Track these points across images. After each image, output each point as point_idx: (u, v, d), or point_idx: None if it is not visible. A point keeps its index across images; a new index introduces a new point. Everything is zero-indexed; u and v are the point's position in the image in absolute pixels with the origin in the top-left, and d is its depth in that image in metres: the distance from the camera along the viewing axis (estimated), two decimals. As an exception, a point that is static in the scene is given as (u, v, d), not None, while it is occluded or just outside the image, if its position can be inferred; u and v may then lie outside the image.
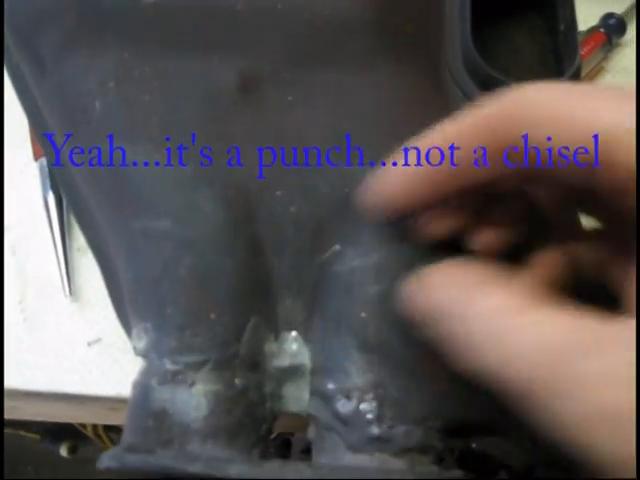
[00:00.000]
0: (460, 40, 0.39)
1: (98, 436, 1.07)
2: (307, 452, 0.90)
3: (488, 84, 0.38)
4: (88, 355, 0.43)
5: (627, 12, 0.54)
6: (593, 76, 0.52)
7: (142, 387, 0.31)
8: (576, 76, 0.39)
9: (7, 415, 0.51)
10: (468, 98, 0.39)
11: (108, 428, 1.06)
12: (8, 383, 0.43)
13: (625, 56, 0.54)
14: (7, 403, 0.47)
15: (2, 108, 0.47)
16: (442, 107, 0.38)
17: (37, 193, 0.46)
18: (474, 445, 0.33)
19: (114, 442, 1.07)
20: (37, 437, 1.18)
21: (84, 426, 1.05)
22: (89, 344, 0.43)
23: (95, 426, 1.05)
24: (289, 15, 0.36)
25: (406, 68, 0.37)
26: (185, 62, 0.36)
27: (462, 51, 0.39)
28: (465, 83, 0.39)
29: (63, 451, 1.18)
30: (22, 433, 1.18)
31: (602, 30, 0.52)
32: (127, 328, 0.36)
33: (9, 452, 1.29)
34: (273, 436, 0.82)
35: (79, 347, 0.43)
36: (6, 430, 1.13)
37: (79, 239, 0.45)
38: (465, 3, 0.39)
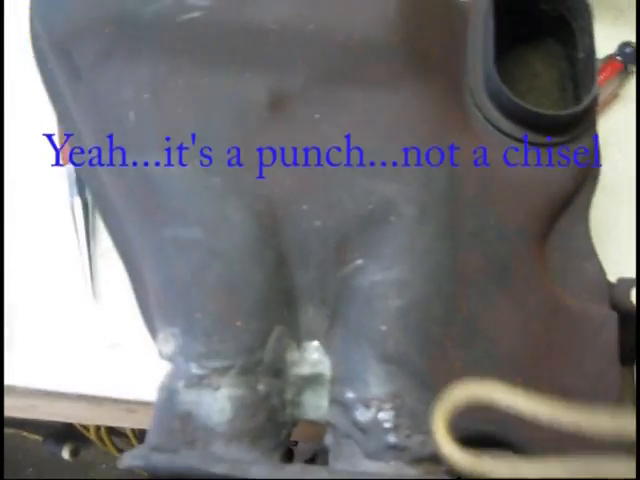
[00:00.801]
0: (483, 65, 0.40)
1: (101, 439, 1.07)
2: (311, 461, 0.91)
3: (509, 108, 0.39)
4: (108, 358, 0.44)
5: (643, 41, 0.56)
6: (607, 102, 0.54)
7: (168, 390, 0.32)
8: (594, 102, 0.40)
9: (23, 414, 0.52)
10: (488, 121, 0.40)
11: (111, 431, 1.07)
12: (29, 382, 0.44)
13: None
14: (26, 402, 0.48)
15: (2, 107, 0.48)
16: (463, 129, 0.39)
17: (64, 197, 0.47)
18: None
19: (116, 446, 1.08)
20: (39, 439, 1.19)
21: (87, 429, 1.06)
22: (110, 347, 0.44)
23: (98, 429, 1.05)
24: (320, 35, 0.37)
25: (431, 90, 0.38)
26: (218, 77, 0.37)
27: (484, 76, 0.40)
28: (486, 107, 0.40)
29: (65, 453, 1.18)
30: (25, 434, 1.19)
31: (619, 58, 0.54)
32: (152, 331, 0.37)
33: (11, 453, 1.30)
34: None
35: (100, 349, 0.44)
36: (8, 430, 1.14)
37: (103, 243, 0.46)
38: (489, 31, 0.40)
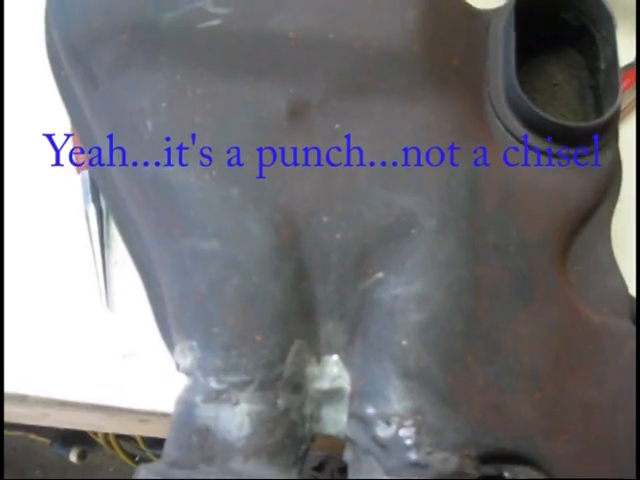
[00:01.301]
0: (503, 76, 0.40)
1: (108, 443, 1.07)
2: (319, 469, 0.91)
3: (530, 119, 0.39)
4: (121, 368, 0.44)
5: (663, 50, 0.55)
6: (627, 112, 0.53)
7: (186, 404, 0.31)
8: (617, 114, 0.40)
9: (34, 422, 0.51)
10: (509, 131, 0.39)
11: (119, 436, 1.07)
12: (42, 391, 0.44)
13: (658, 94, 0.55)
14: (38, 410, 0.47)
15: (2, 109, 0.48)
16: (484, 139, 0.39)
17: (78, 205, 0.46)
18: (506, 474, 0.34)
19: (124, 450, 1.07)
20: (47, 441, 1.18)
21: (95, 432, 1.06)
22: (124, 357, 0.44)
23: (107, 433, 1.05)
24: (340, 45, 0.37)
25: (451, 100, 0.38)
26: (236, 86, 0.36)
27: (505, 87, 0.40)
28: (507, 117, 0.39)
29: (72, 456, 1.18)
30: (32, 437, 1.19)
31: (638, 67, 0.53)
32: (169, 343, 0.37)
33: (18, 456, 1.30)
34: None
35: (113, 360, 0.44)
36: (16, 433, 1.14)
37: (117, 252, 0.46)
38: (510, 41, 0.39)
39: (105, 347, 0.44)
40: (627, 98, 0.52)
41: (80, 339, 0.44)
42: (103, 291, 0.45)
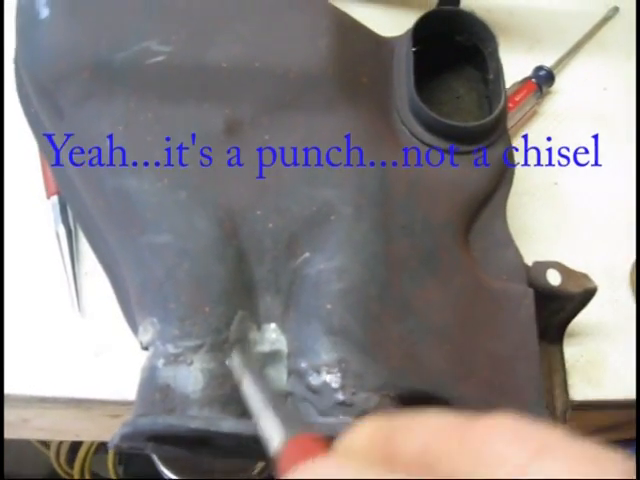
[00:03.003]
0: (406, 90, 0.47)
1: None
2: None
3: (429, 123, 0.46)
4: (94, 365, 0.49)
5: (556, 65, 0.64)
6: (528, 119, 0.61)
7: (149, 369, 0.37)
8: (502, 115, 0.47)
9: (13, 433, 0.56)
10: (413, 135, 0.47)
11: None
12: (22, 391, 0.49)
13: (555, 102, 0.64)
14: (18, 414, 0.52)
15: (2, 118, 0.55)
16: (392, 143, 0.46)
17: (49, 226, 0.53)
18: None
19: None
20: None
21: (71, 476, 1.09)
22: (95, 355, 0.50)
23: (82, 474, 1.08)
24: (265, 71, 0.44)
25: (362, 112, 0.45)
26: (180, 109, 0.43)
27: (408, 98, 0.47)
28: (411, 123, 0.47)
29: (52, 505, 1.20)
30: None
31: (533, 80, 0.61)
32: (133, 327, 0.43)
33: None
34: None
35: (86, 358, 0.50)
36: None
37: (86, 265, 0.52)
38: (410, 62, 0.47)
39: (79, 347, 0.50)
40: (527, 106, 0.60)
41: (56, 342, 0.50)
42: (75, 299, 0.51)
